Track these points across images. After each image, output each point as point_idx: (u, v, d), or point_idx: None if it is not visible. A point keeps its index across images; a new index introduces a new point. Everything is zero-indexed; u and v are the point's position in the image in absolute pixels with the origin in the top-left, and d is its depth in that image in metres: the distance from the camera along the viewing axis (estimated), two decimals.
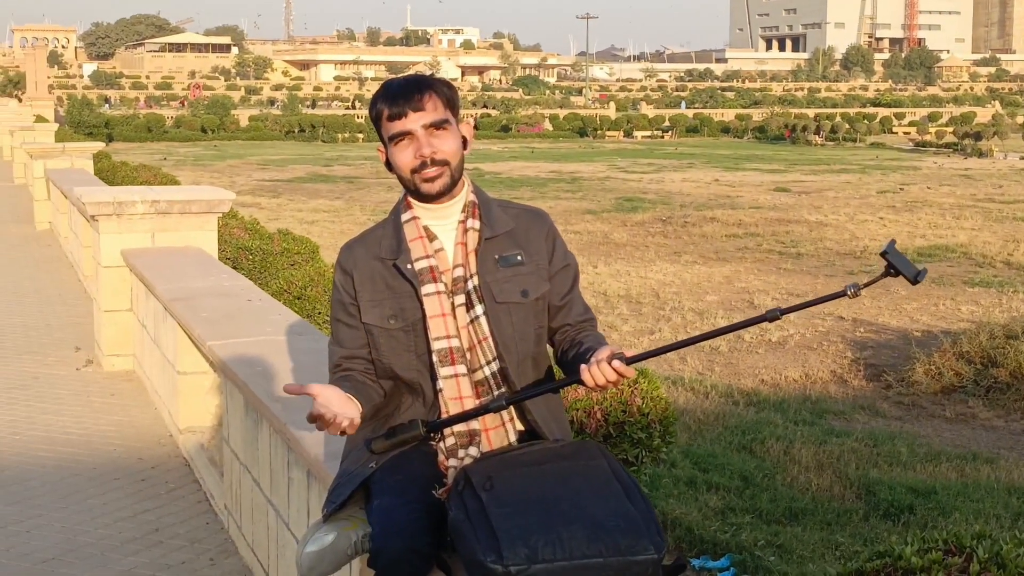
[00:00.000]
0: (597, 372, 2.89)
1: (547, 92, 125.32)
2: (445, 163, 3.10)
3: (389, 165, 3.20)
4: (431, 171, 3.09)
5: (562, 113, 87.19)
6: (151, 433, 7.49)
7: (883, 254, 2.86)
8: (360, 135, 70.96)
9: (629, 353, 2.94)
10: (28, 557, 5.45)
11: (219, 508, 5.98)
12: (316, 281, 9.39)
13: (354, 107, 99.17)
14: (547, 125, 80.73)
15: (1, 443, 7.21)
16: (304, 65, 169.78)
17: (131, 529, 5.80)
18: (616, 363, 2.89)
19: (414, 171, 3.10)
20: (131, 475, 6.64)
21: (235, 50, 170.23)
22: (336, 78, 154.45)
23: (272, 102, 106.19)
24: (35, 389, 8.57)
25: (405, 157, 3.10)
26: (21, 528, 5.82)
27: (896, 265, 2.83)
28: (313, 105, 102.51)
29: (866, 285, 2.89)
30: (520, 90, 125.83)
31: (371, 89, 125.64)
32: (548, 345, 3.30)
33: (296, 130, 73.66)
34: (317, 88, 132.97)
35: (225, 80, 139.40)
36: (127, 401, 8.30)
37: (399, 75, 3.28)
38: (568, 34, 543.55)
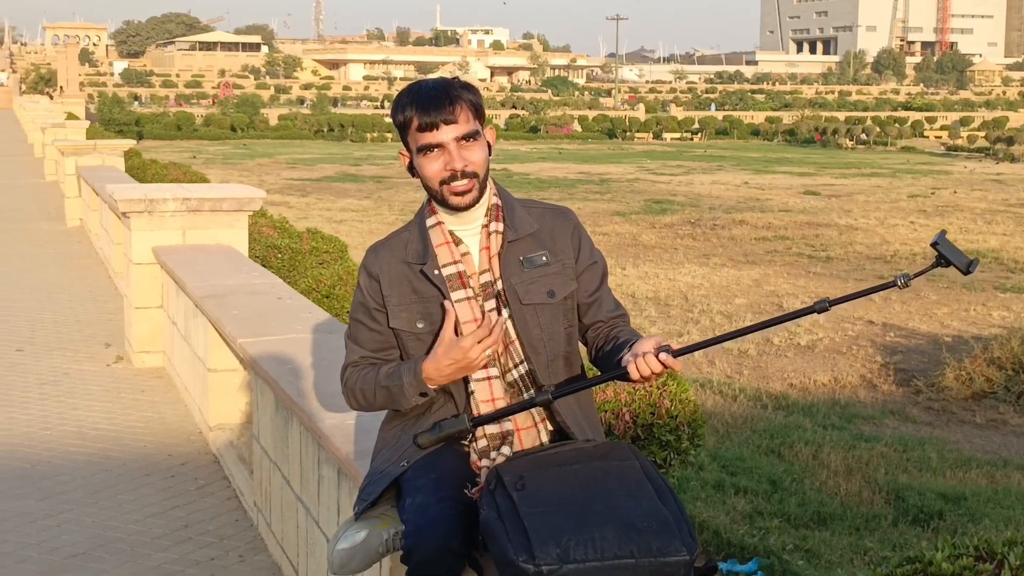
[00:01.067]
0: (643, 364, 2.88)
1: (576, 93, 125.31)
2: (475, 175, 3.09)
3: (412, 170, 3.18)
4: (461, 184, 3.07)
5: (591, 114, 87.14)
6: (181, 430, 7.52)
7: (934, 244, 2.81)
8: (389, 135, 71.01)
9: (675, 345, 2.92)
10: (59, 551, 5.49)
11: (248, 505, 6.00)
12: (344, 280, 9.40)
13: (383, 107, 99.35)
14: (576, 126, 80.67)
15: (33, 438, 7.26)
16: (333, 64, 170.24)
17: (161, 525, 5.82)
18: (663, 356, 2.88)
19: (443, 182, 3.08)
20: (161, 471, 6.67)
21: (265, 49, 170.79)
22: (365, 78, 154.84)
23: (301, 101, 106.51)
24: (66, 385, 8.62)
25: (434, 168, 3.08)
26: (52, 523, 5.85)
27: (947, 255, 2.77)
28: (336, 104, 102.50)
29: (916, 275, 2.85)
30: (549, 91, 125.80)
31: (400, 89, 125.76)
32: (581, 344, 3.30)
33: (325, 129, 73.87)
34: (346, 87, 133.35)
35: (255, 79, 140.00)
36: (157, 397, 8.33)
37: (424, 79, 3.24)
38: (598, 35, 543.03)
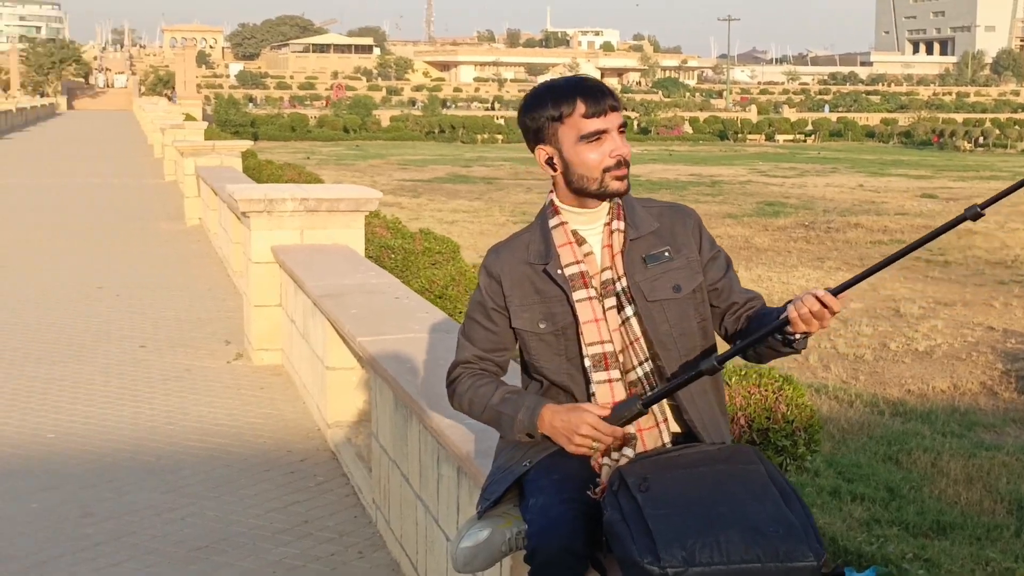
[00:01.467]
0: (801, 305, 2.85)
1: (687, 94, 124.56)
2: (629, 164, 3.14)
3: (551, 164, 3.18)
4: (623, 170, 3.12)
5: (702, 116, 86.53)
6: (299, 426, 7.63)
7: None
8: (499, 136, 71.26)
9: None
10: (183, 544, 5.61)
11: (367, 502, 6.07)
12: (457, 280, 9.46)
13: (493, 108, 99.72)
14: (687, 128, 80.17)
15: (156, 432, 7.43)
16: (444, 66, 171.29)
17: (281, 520, 5.91)
18: (821, 292, 2.83)
19: (606, 170, 3.11)
20: (281, 467, 6.78)
21: (377, 51, 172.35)
22: (476, 79, 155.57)
23: (412, 103, 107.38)
24: (188, 381, 8.81)
25: (598, 155, 3.10)
26: (175, 516, 5.98)
27: None
28: (446, 105, 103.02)
29: None
30: (660, 92, 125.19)
31: (510, 91, 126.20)
32: (721, 336, 3.27)
33: (436, 131, 74.36)
34: (457, 89, 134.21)
35: (367, 80, 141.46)
36: (276, 394, 8.47)
37: (555, 78, 3.27)
38: (709, 36, 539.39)
